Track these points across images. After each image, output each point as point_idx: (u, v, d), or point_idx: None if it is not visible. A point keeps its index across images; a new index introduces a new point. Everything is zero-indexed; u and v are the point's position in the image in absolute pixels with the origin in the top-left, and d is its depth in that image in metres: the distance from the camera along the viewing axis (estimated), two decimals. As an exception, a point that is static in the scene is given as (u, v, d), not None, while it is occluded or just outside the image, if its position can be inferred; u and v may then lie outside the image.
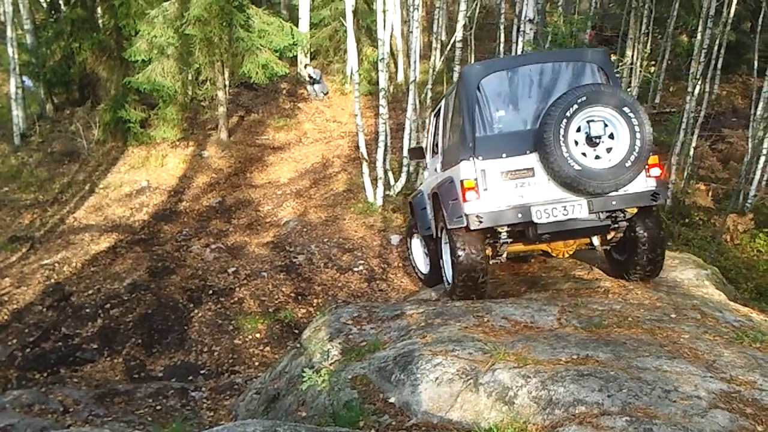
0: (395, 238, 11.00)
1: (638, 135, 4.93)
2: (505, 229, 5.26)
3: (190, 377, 7.52)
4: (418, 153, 7.46)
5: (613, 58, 10.18)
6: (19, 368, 7.93)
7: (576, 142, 4.97)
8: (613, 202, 5.07)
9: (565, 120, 4.91)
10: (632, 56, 11.93)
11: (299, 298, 9.23)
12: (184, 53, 15.22)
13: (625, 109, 4.95)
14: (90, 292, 9.60)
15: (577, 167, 4.91)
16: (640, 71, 11.52)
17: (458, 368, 3.86)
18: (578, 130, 4.98)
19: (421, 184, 7.72)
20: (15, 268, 10.77)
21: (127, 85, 15.46)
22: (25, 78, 17.95)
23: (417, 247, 7.56)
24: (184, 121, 16.98)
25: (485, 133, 5.31)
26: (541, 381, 3.49)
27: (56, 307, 9.27)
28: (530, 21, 14.79)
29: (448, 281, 5.95)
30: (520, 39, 15.10)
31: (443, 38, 21.22)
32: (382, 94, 13.40)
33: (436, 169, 6.43)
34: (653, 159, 5.13)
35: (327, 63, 22.70)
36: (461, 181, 5.16)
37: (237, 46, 15.34)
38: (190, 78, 16.05)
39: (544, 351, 3.91)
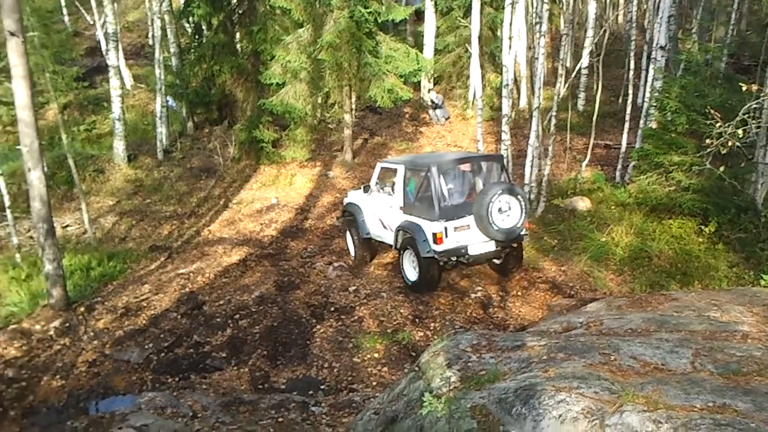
0: (514, 266, 10.90)
1: (523, 209, 9.34)
2: (453, 258, 9.51)
3: (311, 391, 7.68)
4: (367, 188, 11.02)
5: (755, 88, 9.68)
6: (153, 371, 8.33)
7: (495, 213, 9.12)
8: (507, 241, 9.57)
9: (491, 203, 9.03)
10: (774, 86, 11.24)
11: (417, 320, 9.29)
12: (315, 77, 15.86)
13: (518, 196, 9.29)
14: (221, 302, 10.08)
15: (496, 227, 9.15)
16: (783, 102, 10.84)
17: (583, 407, 3.76)
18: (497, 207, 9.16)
19: (348, 198, 11.97)
20: (154, 275, 11.52)
21: (262, 106, 16.28)
22: (168, 98, 19.23)
23: (349, 239, 11.77)
24: (312, 142, 17.68)
25: (445, 204, 9.37)
26: (673, 428, 3.35)
27: (189, 315, 9.76)
28: (662, 48, 14.29)
29: (410, 280, 10.09)
30: (651, 66, 14.63)
31: (568, 65, 20.94)
32: (505, 120, 13.40)
33: (390, 206, 10.38)
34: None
35: (449, 88, 22.91)
36: (433, 233, 9.25)
37: (365, 71, 15.82)
38: (319, 101, 16.70)
39: (677, 396, 3.75)
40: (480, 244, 9.48)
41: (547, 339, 5.56)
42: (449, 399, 4.61)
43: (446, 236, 9.24)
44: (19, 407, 7.52)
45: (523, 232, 9.71)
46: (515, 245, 10.09)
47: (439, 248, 9.26)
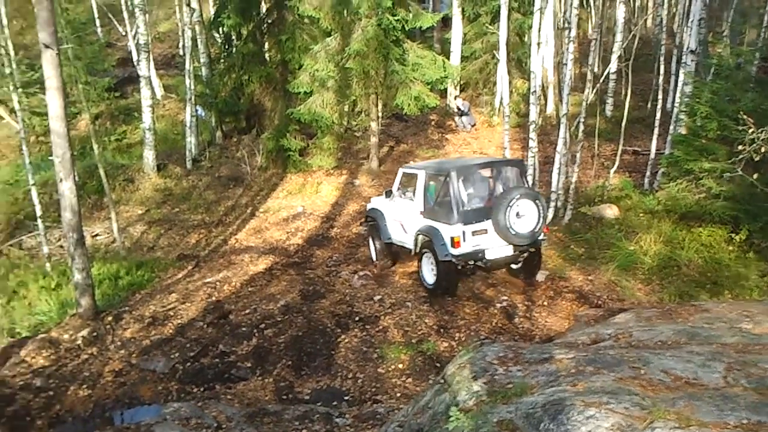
0: (541, 275, 10.78)
1: (541, 213, 9.42)
2: (471, 262, 9.60)
3: (335, 402, 7.63)
4: (389, 193, 11.27)
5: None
6: (179, 381, 8.35)
7: (512, 217, 9.19)
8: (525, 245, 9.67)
9: (509, 207, 9.14)
10: (808, 91, 11.01)
11: (441, 330, 9.21)
12: (342, 86, 15.90)
13: (537, 201, 9.38)
14: (247, 311, 10.11)
15: (513, 231, 9.24)
16: (818, 107, 10.59)
17: (613, 423, 3.67)
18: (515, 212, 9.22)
19: (371, 204, 12.23)
20: (181, 284, 11.61)
21: (290, 115, 16.38)
22: (198, 107, 19.42)
23: (371, 245, 11.92)
24: (339, 150, 17.73)
25: (463, 208, 9.41)
26: (706, 446, 3.26)
27: (215, 325, 9.78)
28: (692, 52, 14.09)
29: (428, 283, 10.16)
30: (681, 70, 14.43)
31: (596, 70, 20.73)
32: (532, 127, 13.26)
33: (411, 211, 10.44)
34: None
35: (476, 95, 22.84)
36: (451, 237, 9.32)
37: (392, 78, 15.83)
38: (346, 109, 16.72)
39: (710, 412, 3.63)
40: (498, 249, 9.57)
41: (575, 351, 5.45)
42: (475, 413, 4.54)
43: (464, 240, 9.36)
44: (46, 417, 7.60)
45: (541, 237, 9.82)
46: (533, 250, 10.12)
47: (456, 252, 9.39)
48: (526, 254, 10.07)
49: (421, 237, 10.14)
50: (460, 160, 11.55)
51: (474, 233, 9.41)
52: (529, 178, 13.00)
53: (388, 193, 11.24)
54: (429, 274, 10.13)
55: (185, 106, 18.96)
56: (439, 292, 10.03)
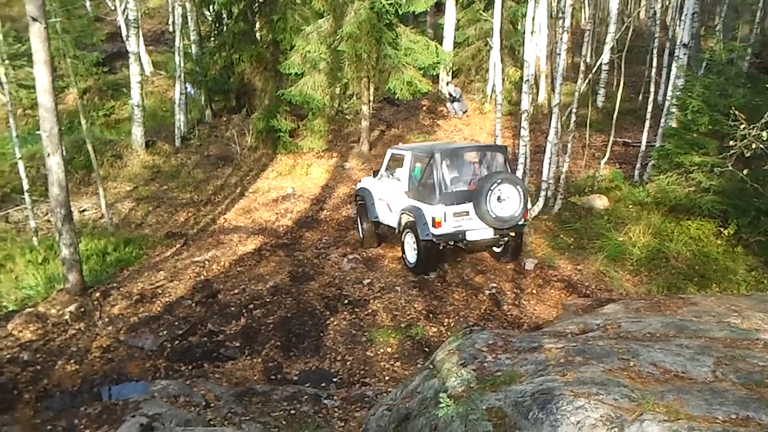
0: (530, 263, 10.84)
1: (522, 199, 9.60)
2: (451, 242, 9.87)
3: (323, 384, 7.66)
4: (377, 173, 11.65)
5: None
6: (167, 359, 8.31)
7: (493, 201, 9.42)
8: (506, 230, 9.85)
9: (490, 191, 9.35)
10: (799, 87, 11.08)
11: (430, 315, 9.24)
12: (334, 68, 15.80)
13: (518, 186, 9.61)
14: (235, 291, 10.09)
15: (493, 215, 9.45)
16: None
17: (602, 414, 3.70)
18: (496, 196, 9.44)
19: (360, 184, 12.30)
20: (169, 262, 11.55)
21: (280, 96, 16.26)
22: (188, 85, 19.22)
23: (359, 224, 12.06)
24: (330, 133, 17.64)
25: (446, 190, 9.66)
26: (694, 440, 3.29)
27: (204, 303, 9.76)
28: (685, 46, 14.12)
29: (410, 261, 10.45)
30: (673, 64, 14.46)
31: (589, 60, 20.73)
32: (524, 116, 13.23)
33: (397, 191, 10.64)
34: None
35: (468, 82, 22.79)
36: (433, 217, 9.57)
37: (384, 62, 15.75)
38: (337, 92, 16.63)
39: (698, 406, 3.68)
40: (479, 231, 9.79)
41: (564, 341, 5.48)
42: (464, 400, 4.56)
43: (445, 221, 9.59)
44: (34, 390, 7.55)
45: (521, 222, 10.04)
46: (514, 234, 10.32)
47: (437, 232, 9.63)
48: (506, 238, 10.30)
49: (404, 216, 10.37)
50: (445, 144, 11.76)
51: (455, 215, 9.65)
52: (520, 167, 13.05)
53: (377, 174, 11.46)
54: (411, 253, 10.39)
55: (174, 83, 18.74)
56: (420, 270, 10.27)
